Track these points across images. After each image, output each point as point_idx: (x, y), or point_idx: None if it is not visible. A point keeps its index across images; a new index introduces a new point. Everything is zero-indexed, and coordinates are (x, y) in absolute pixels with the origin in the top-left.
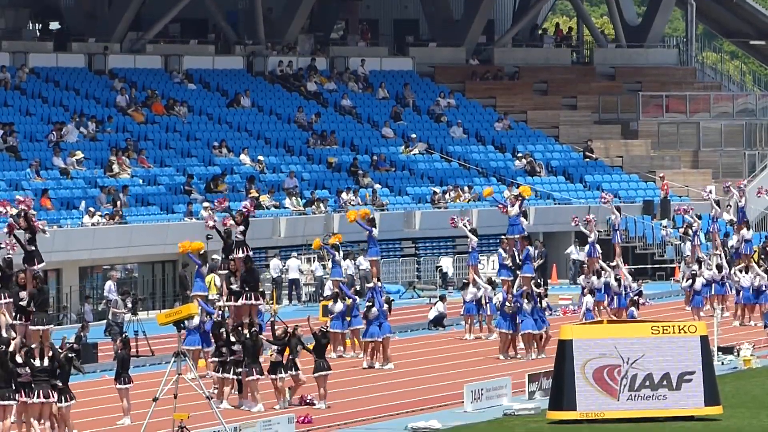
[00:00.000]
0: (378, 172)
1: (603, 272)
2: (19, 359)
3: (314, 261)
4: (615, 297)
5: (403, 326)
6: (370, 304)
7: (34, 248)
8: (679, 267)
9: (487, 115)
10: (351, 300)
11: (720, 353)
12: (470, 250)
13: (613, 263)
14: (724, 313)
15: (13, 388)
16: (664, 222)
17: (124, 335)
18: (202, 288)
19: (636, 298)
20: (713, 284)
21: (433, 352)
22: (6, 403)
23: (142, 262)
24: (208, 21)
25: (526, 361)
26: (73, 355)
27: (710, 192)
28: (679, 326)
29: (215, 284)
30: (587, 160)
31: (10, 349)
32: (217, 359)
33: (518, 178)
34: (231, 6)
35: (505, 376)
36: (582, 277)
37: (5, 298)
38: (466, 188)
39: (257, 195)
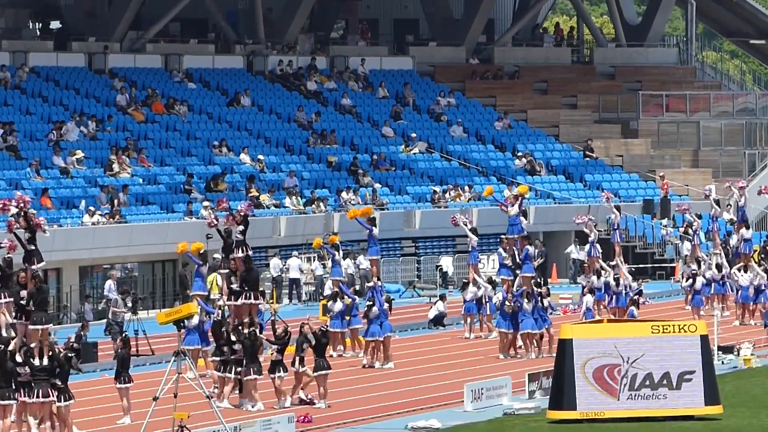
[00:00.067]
0: (378, 172)
1: (603, 272)
2: (18, 359)
3: (314, 260)
4: (615, 296)
5: (403, 325)
6: (371, 303)
7: (33, 247)
8: (679, 266)
9: (487, 114)
10: (350, 299)
11: (720, 353)
12: (470, 249)
13: (613, 263)
14: (725, 312)
15: (13, 387)
16: (664, 221)
17: (124, 334)
18: (201, 287)
19: (636, 297)
20: (713, 284)
21: (433, 352)
22: (6, 402)
23: (142, 261)
24: (208, 21)
25: (526, 360)
26: (72, 354)
27: (710, 191)
28: (679, 326)
29: (217, 284)
30: (587, 159)
31: (10, 348)
32: (218, 358)
33: (518, 178)
34: (231, 6)
35: (505, 375)
36: (582, 276)
37: (5, 297)
38: (466, 187)
39: (257, 194)
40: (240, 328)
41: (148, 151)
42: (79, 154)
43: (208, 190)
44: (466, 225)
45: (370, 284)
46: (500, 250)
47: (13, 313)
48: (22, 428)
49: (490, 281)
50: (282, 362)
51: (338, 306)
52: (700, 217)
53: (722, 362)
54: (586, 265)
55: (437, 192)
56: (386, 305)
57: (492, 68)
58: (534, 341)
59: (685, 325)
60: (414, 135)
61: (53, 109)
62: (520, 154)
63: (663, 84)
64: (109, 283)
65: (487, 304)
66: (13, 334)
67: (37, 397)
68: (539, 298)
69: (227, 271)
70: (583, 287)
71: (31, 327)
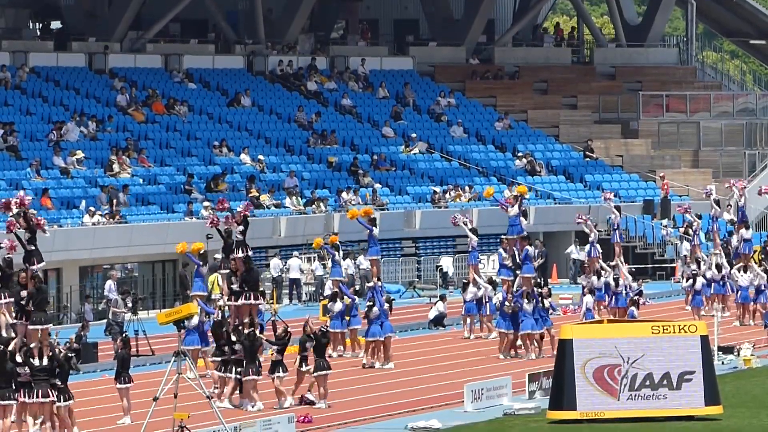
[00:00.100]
0: (378, 172)
1: (603, 272)
2: (18, 359)
3: (314, 260)
4: (615, 297)
5: (404, 326)
6: (371, 303)
7: (33, 247)
8: (679, 266)
9: (488, 114)
10: (350, 300)
11: (720, 353)
12: (470, 249)
13: (613, 263)
14: (725, 312)
15: (13, 387)
16: (665, 221)
17: (124, 335)
18: (201, 288)
19: (636, 297)
20: (713, 284)
21: (433, 352)
22: (6, 402)
23: (142, 261)
24: (208, 21)
25: (526, 360)
26: (72, 354)
27: (710, 191)
28: (679, 326)
29: (218, 284)
30: (587, 159)
31: (10, 348)
32: (218, 358)
33: (518, 178)
34: (231, 6)
35: (505, 375)
36: (582, 276)
37: (5, 297)
38: (466, 188)
39: (257, 194)
40: (240, 328)
41: (148, 151)
42: (80, 154)
43: (209, 191)
44: (466, 225)
45: (371, 284)
46: (500, 250)
47: (14, 314)
48: (22, 428)
49: (491, 281)
50: (282, 362)
51: (338, 306)
52: (700, 217)
53: (722, 362)
54: (586, 265)
55: (437, 192)
56: (386, 305)
57: (492, 68)
58: (534, 341)
59: (685, 326)
60: (414, 135)
61: (53, 110)
62: (520, 154)
63: (663, 84)
64: (110, 284)
65: (487, 304)
66: (13, 334)
67: (37, 397)
68: (540, 299)
69: (227, 271)
70: (584, 287)
71: (30, 327)
